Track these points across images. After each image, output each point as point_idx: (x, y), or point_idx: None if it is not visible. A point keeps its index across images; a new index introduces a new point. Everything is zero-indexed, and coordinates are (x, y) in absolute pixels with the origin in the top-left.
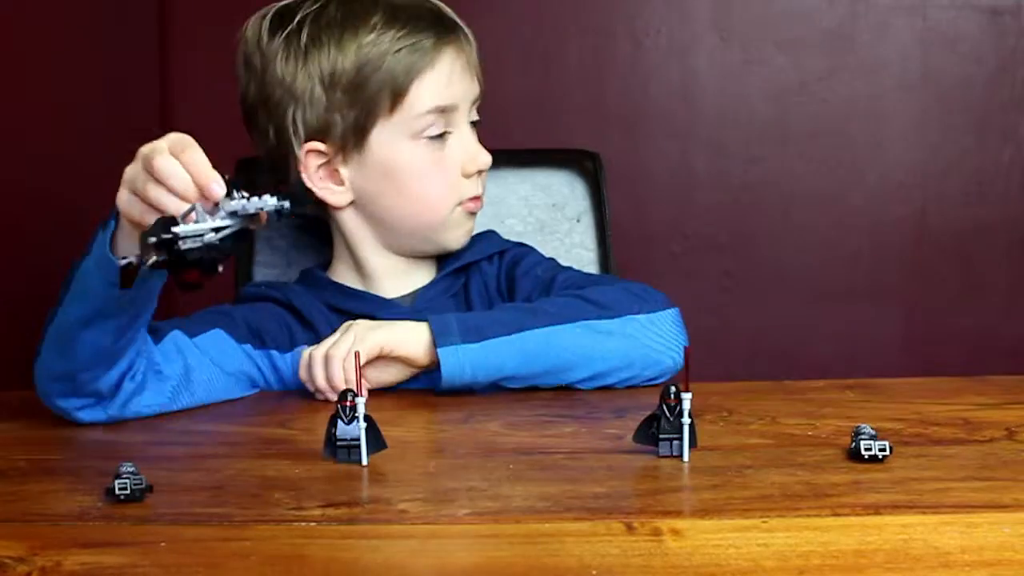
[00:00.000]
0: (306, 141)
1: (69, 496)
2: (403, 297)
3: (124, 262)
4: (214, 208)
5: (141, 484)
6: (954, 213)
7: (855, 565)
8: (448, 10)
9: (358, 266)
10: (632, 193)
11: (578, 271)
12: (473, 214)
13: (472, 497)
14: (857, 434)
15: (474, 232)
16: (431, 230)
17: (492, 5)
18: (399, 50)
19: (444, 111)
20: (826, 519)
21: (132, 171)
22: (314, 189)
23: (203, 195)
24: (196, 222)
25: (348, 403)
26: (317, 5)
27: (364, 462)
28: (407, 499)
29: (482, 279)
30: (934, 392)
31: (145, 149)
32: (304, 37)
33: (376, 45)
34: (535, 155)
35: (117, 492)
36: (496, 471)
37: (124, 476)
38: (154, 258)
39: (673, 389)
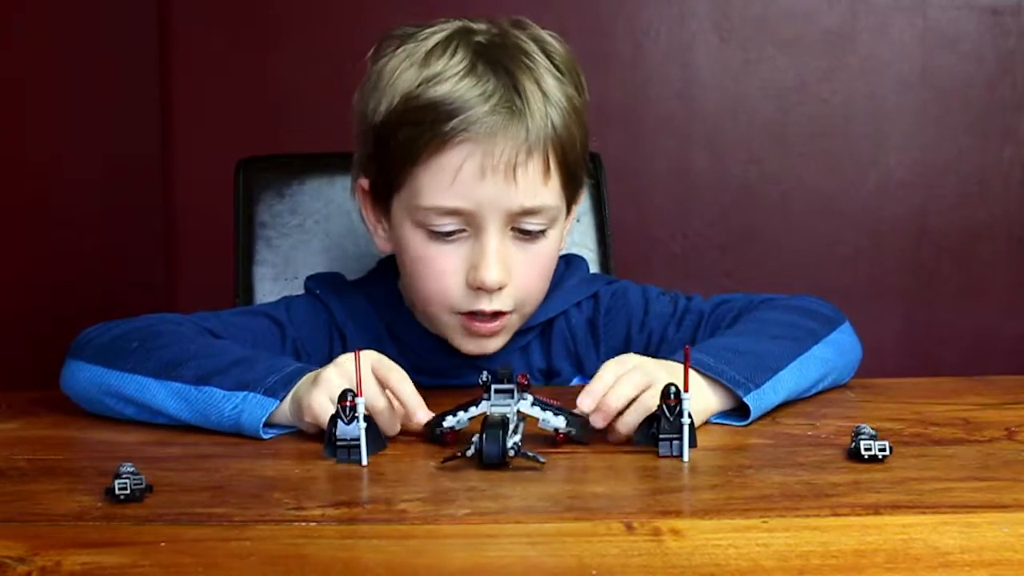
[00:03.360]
0: (361, 172)
1: (69, 496)
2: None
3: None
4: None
5: (141, 484)
6: (954, 213)
7: (855, 565)
8: (529, 88)
9: None
10: (632, 193)
11: (702, 299)
12: (479, 335)
13: (472, 497)
14: (857, 434)
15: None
16: (435, 326)
17: (492, 6)
18: (416, 121)
19: (455, 213)
20: (826, 519)
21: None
22: (367, 223)
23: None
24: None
25: (348, 403)
26: (430, 30)
27: (364, 462)
28: (407, 499)
29: (568, 327)
30: (934, 392)
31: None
32: (383, 57)
33: (406, 100)
34: None
35: (117, 492)
36: (496, 471)
37: (124, 476)
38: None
39: (673, 389)
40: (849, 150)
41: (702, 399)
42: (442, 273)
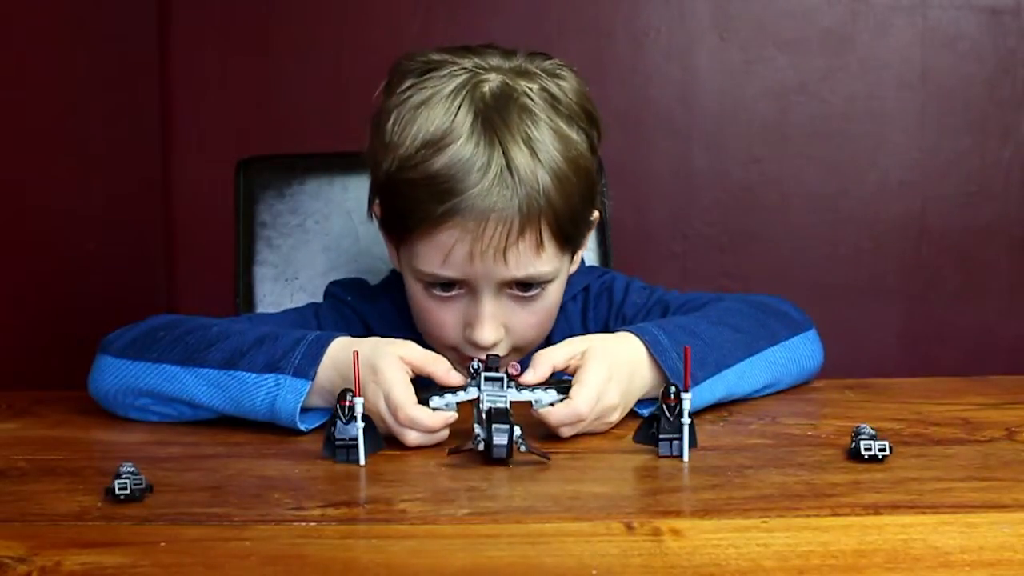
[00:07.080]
0: (375, 194)
1: (69, 496)
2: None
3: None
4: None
5: (141, 484)
6: (954, 213)
7: (855, 565)
8: (522, 160)
9: None
10: (632, 193)
11: (679, 294)
12: None
13: (472, 497)
14: (857, 434)
15: None
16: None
17: (492, 6)
18: (411, 194)
19: (449, 279)
20: (826, 519)
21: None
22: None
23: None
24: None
25: (346, 403)
26: (440, 76)
27: (361, 462)
28: (407, 499)
29: (567, 322)
30: (934, 392)
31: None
32: (393, 97)
33: (403, 168)
34: None
35: (117, 492)
36: (496, 471)
37: (124, 476)
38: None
39: (673, 389)
40: (849, 150)
41: (639, 378)
42: (441, 324)
